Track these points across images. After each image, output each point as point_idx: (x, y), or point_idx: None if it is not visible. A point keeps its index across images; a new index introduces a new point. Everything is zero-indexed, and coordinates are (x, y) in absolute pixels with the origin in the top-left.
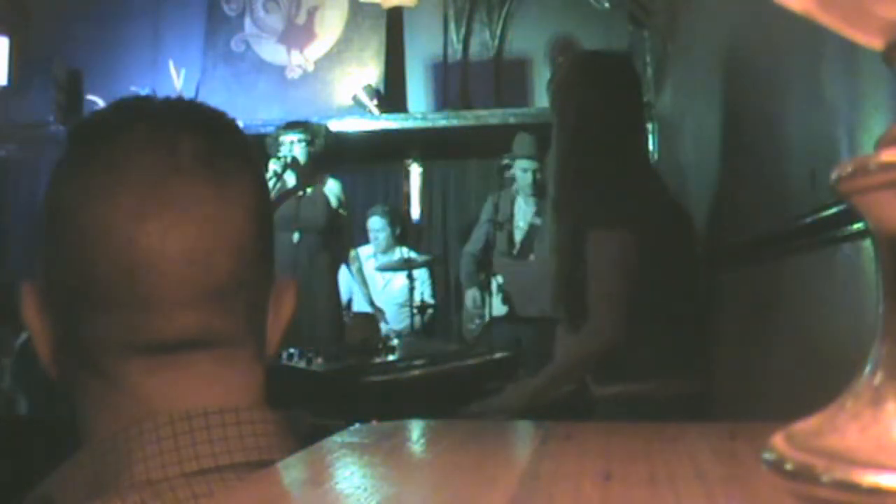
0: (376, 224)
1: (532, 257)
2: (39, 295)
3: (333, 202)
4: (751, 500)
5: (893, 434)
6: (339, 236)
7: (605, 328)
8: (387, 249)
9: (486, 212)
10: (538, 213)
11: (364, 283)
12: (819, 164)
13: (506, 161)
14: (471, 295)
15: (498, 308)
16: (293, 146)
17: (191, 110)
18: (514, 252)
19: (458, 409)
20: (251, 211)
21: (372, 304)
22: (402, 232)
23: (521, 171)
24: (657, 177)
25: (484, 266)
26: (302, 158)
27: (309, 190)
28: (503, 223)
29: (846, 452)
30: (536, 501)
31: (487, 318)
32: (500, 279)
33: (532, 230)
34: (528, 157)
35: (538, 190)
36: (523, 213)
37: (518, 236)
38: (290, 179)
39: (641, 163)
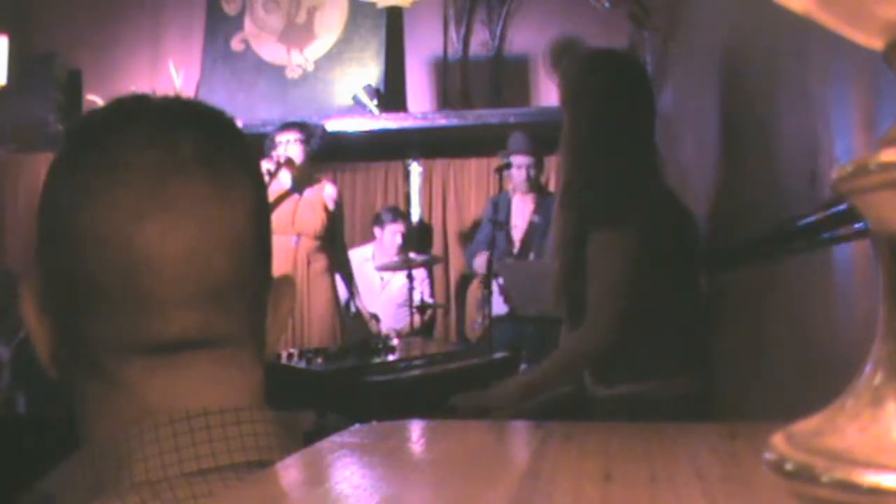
0: (395, 228)
1: (532, 256)
2: (38, 295)
3: (330, 205)
4: (751, 500)
5: (893, 434)
6: (332, 240)
7: (600, 329)
8: (395, 254)
9: (486, 212)
10: (536, 211)
11: (354, 286)
12: (819, 164)
13: (504, 160)
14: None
15: (499, 307)
16: (289, 146)
17: (190, 109)
18: (514, 251)
19: (444, 404)
20: (250, 211)
21: (357, 307)
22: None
23: (516, 167)
24: (663, 176)
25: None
26: (297, 158)
27: (307, 193)
28: (503, 223)
29: (846, 452)
30: (536, 501)
31: (489, 317)
32: (500, 279)
33: (531, 228)
34: (523, 153)
35: (534, 186)
36: (520, 212)
37: (517, 235)
38: (286, 179)
39: (650, 162)
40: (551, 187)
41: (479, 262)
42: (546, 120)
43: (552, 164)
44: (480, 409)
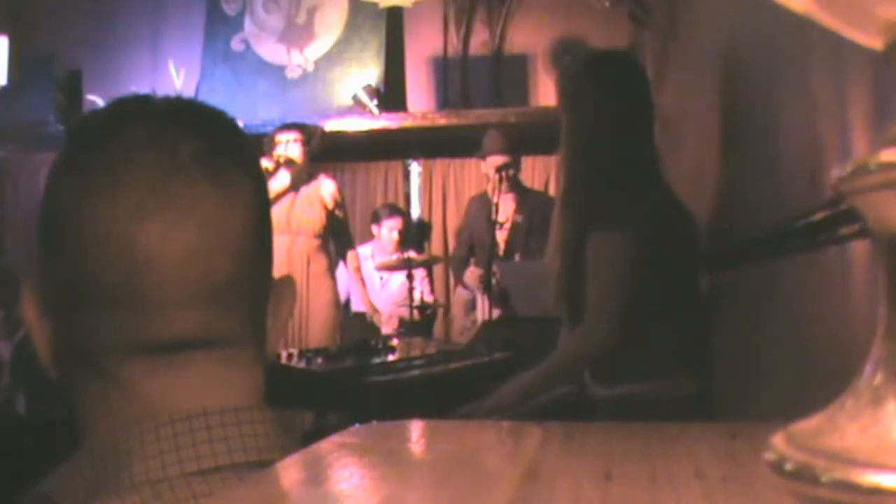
0: (392, 224)
1: (517, 256)
2: (39, 295)
3: (329, 203)
4: (751, 500)
5: (893, 434)
6: (337, 237)
7: (599, 330)
8: (393, 251)
9: (471, 213)
10: (518, 210)
11: (362, 283)
12: (819, 164)
13: (505, 159)
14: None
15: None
16: (288, 146)
17: (191, 110)
18: (500, 252)
19: (454, 410)
20: (251, 211)
21: (369, 306)
22: (407, 232)
23: (494, 168)
24: (663, 176)
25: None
26: (297, 158)
27: (303, 190)
28: (495, 223)
29: (846, 452)
30: (536, 501)
31: (481, 320)
32: (492, 281)
33: (515, 228)
34: (499, 153)
35: (514, 185)
36: (502, 212)
37: (501, 236)
38: (284, 178)
39: (650, 162)
40: (551, 187)
41: (469, 276)
42: (546, 120)
43: (552, 164)
44: (485, 411)
